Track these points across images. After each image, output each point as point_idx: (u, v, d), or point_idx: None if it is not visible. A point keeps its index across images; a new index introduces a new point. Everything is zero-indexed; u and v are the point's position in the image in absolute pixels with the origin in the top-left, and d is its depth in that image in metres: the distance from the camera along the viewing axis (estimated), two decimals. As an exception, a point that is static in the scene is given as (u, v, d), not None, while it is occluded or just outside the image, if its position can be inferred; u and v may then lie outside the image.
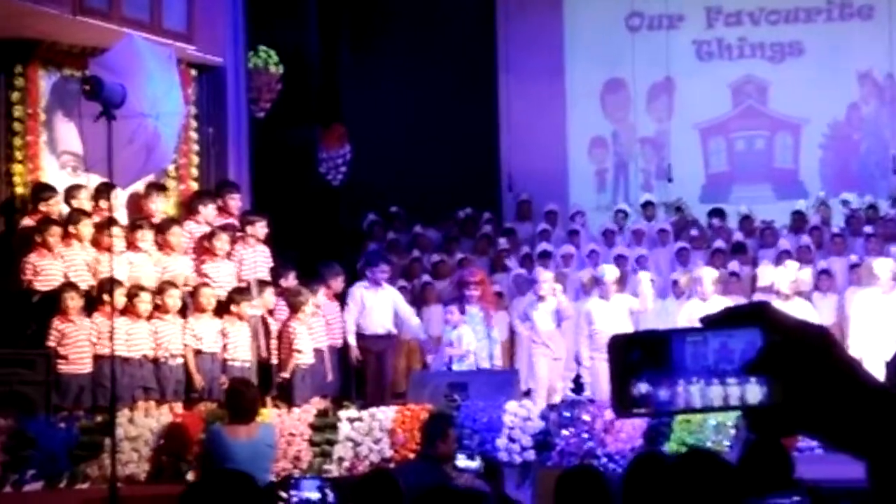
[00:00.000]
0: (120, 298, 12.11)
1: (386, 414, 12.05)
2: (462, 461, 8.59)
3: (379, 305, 14.56)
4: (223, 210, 14.19)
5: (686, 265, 16.42)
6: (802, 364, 1.55)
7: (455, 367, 14.01)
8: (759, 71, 19.89)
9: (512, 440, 11.76)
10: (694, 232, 17.47)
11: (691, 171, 19.55)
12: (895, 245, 16.15)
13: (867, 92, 19.65)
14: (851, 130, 19.78)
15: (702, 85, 19.69)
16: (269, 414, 12.04)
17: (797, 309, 14.43)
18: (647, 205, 18.31)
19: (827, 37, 19.62)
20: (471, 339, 14.16)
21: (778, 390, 1.56)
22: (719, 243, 16.82)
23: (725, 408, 1.58)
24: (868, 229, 16.70)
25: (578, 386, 15.49)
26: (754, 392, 1.56)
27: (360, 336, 14.54)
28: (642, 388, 1.56)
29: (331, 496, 6.34)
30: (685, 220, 17.95)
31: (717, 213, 18.02)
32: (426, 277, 16.33)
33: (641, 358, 1.56)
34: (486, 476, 8.42)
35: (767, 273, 15.77)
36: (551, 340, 14.59)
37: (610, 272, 14.92)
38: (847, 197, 18.10)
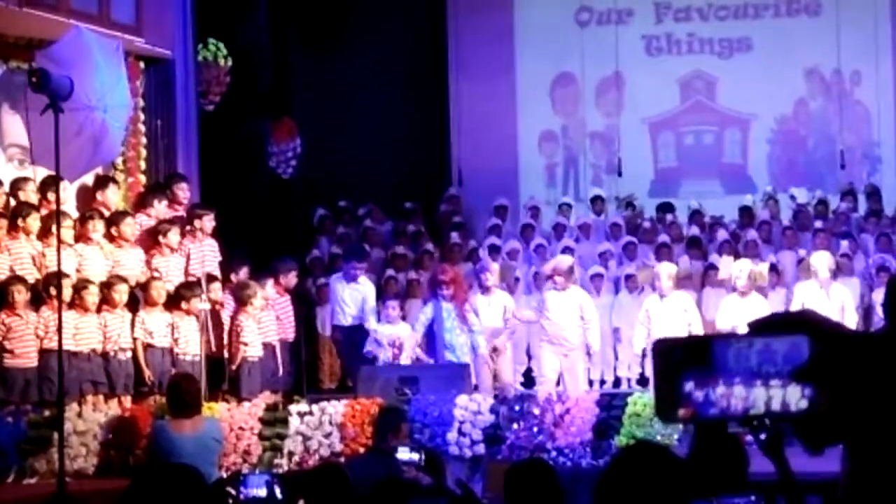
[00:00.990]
0: (67, 291, 12.01)
1: (336, 408, 12.03)
2: (404, 453, 8.58)
3: (352, 298, 14.62)
4: (172, 202, 14.12)
5: (633, 260, 16.48)
6: (850, 373, 1.54)
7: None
8: (707, 66, 19.99)
9: (462, 434, 11.77)
10: (646, 224, 17.56)
11: (640, 166, 19.62)
12: (844, 240, 16.26)
13: (814, 88, 19.80)
14: (799, 126, 19.93)
15: (651, 80, 19.77)
16: (219, 408, 12.00)
17: (752, 305, 14.50)
18: (596, 199, 18.35)
19: (775, 33, 19.75)
20: (406, 336, 14.16)
21: (823, 398, 1.55)
22: (664, 237, 16.85)
23: (768, 414, 1.58)
24: (818, 224, 16.81)
25: (529, 380, 15.52)
26: (796, 395, 1.56)
27: (333, 327, 14.63)
28: (687, 387, 1.56)
29: (278, 492, 6.31)
30: (637, 216, 17.99)
31: (667, 207, 18.09)
32: (390, 272, 16.23)
33: (684, 359, 1.57)
34: (428, 468, 8.43)
35: (724, 267, 15.79)
36: (494, 336, 14.50)
37: (564, 261, 14.82)
38: (794, 192, 18.23)
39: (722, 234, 16.76)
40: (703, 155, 20.12)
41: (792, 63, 19.56)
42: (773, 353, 1.56)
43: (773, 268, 15.86)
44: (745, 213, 17.46)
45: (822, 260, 14.96)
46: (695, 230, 17.16)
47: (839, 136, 19.30)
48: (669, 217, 17.72)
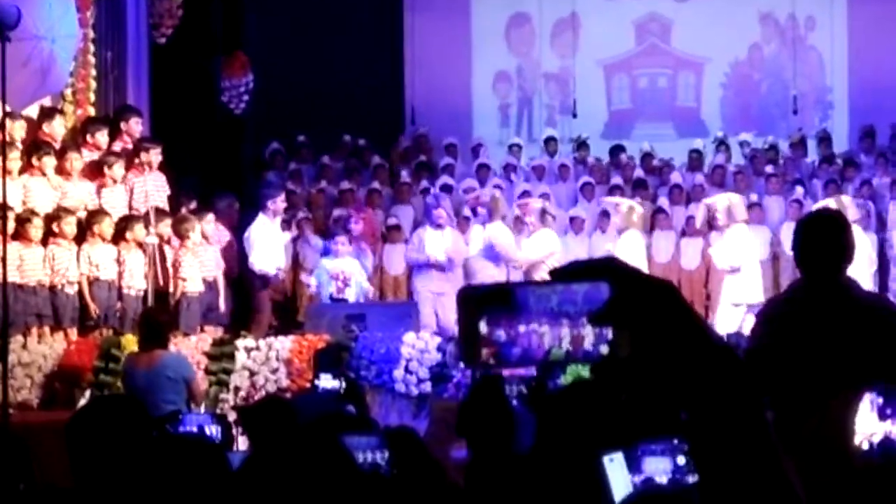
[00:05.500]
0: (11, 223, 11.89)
1: (283, 343, 12.04)
2: (326, 381, 8.58)
3: (279, 244, 14.53)
4: (127, 134, 13.98)
5: (590, 200, 16.52)
6: (647, 316, 1.55)
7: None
8: (662, 9, 19.95)
9: (409, 371, 11.80)
10: (591, 160, 17.64)
11: (594, 108, 19.60)
12: (798, 186, 16.34)
13: (769, 32, 19.83)
14: (752, 70, 19.97)
15: (606, 21, 19.72)
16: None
17: (737, 235, 14.68)
18: (550, 140, 18.34)
19: (730, -24, 19.74)
20: (353, 270, 14.20)
21: (623, 343, 1.56)
22: (616, 179, 16.94)
23: (569, 358, 1.59)
24: (769, 169, 16.89)
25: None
26: (593, 336, 1.57)
27: (251, 272, 14.42)
28: (486, 328, 1.57)
29: (216, 431, 6.29)
30: (587, 157, 18.00)
31: (620, 149, 18.10)
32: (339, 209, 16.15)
33: (485, 301, 1.57)
34: (348, 397, 8.44)
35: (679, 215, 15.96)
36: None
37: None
38: (745, 137, 18.28)
39: (676, 178, 16.83)
40: (656, 98, 20.14)
41: (747, 7, 19.57)
42: (573, 294, 1.56)
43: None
44: (696, 156, 17.52)
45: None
46: (640, 173, 17.21)
47: (792, 81, 19.33)
48: (623, 157, 17.75)
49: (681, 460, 6.30)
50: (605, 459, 5.12)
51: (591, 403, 3.58)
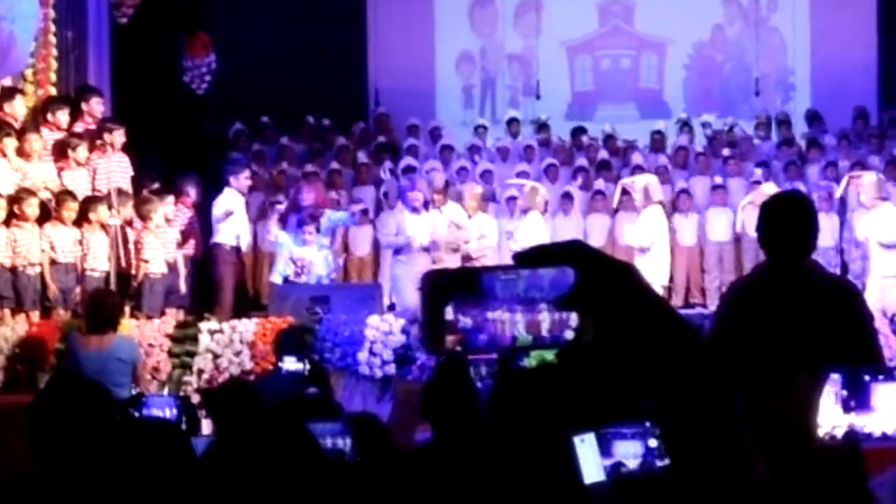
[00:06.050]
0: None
1: (247, 326, 12.00)
2: (290, 363, 8.55)
3: (243, 218, 14.51)
4: (89, 114, 13.89)
5: (554, 182, 16.51)
6: (608, 299, 1.54)
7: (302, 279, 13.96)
8: (625, -10, 19.99)
9: (373, 354, 11.76)
10: (555, 139, 17.63)
11: (557, 89, 19.61)
12: (758, 168, 16.39)
13: (731, 14, 19.88)
14: (715, 52, 20.02)
15: (569, 2, 19.73)
16: (128, 324, 11.90)
17: (650, 216, 14.64)
18: (513, 121, 18.33)
19: (694, -43, 19.77)
20: (316, 261, 14.13)
21: (588, 329, 1.55)
22: (581, 161, 16.96)
23: (536, 344, 1.58)
24: (726, 151, 16.94)
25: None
26: (549, 321, 1.56)
27: (213, 248, 14.38)
28: (451, 314, 1.55)
29: (181, 414, 6.28)
30: (549, 138, 18.01)
31: (581, 131, 18.12)
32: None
33: (450, 287, 1.56)
34: (313, 380, 8.44)
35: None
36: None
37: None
38: (707, 119, 18.31)
39: (637, 159, 16.83)
40: (619, 79, 20.17)
41: (710, -12, 19.63)
42: (539, 279, 1.55)
43: (686, 192, 16.00)
44: (659, 137, 17.55)
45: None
46: (603, 154, 17.22)
47: (755, 62, 19.39)
48: (585, 139, 17.75)
49: (652, 443, 6.31)
50: (576, 440, 5.13)
51: (558, 385, 3.57)
